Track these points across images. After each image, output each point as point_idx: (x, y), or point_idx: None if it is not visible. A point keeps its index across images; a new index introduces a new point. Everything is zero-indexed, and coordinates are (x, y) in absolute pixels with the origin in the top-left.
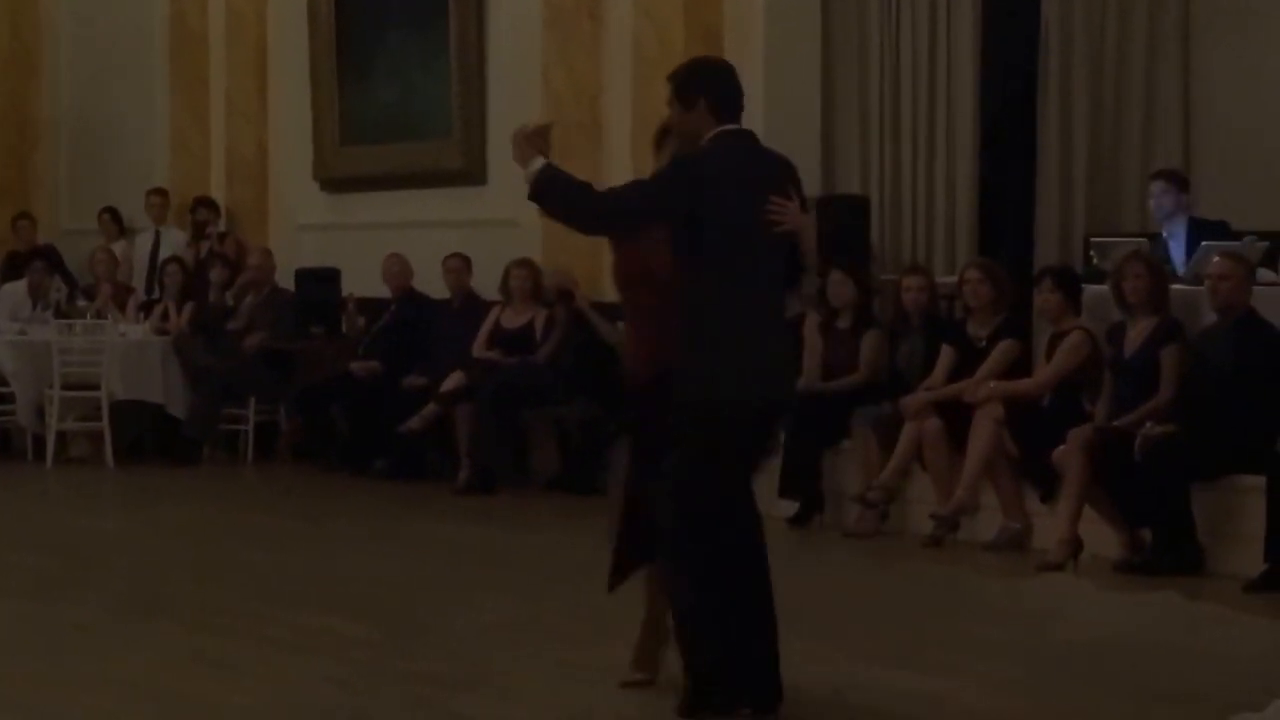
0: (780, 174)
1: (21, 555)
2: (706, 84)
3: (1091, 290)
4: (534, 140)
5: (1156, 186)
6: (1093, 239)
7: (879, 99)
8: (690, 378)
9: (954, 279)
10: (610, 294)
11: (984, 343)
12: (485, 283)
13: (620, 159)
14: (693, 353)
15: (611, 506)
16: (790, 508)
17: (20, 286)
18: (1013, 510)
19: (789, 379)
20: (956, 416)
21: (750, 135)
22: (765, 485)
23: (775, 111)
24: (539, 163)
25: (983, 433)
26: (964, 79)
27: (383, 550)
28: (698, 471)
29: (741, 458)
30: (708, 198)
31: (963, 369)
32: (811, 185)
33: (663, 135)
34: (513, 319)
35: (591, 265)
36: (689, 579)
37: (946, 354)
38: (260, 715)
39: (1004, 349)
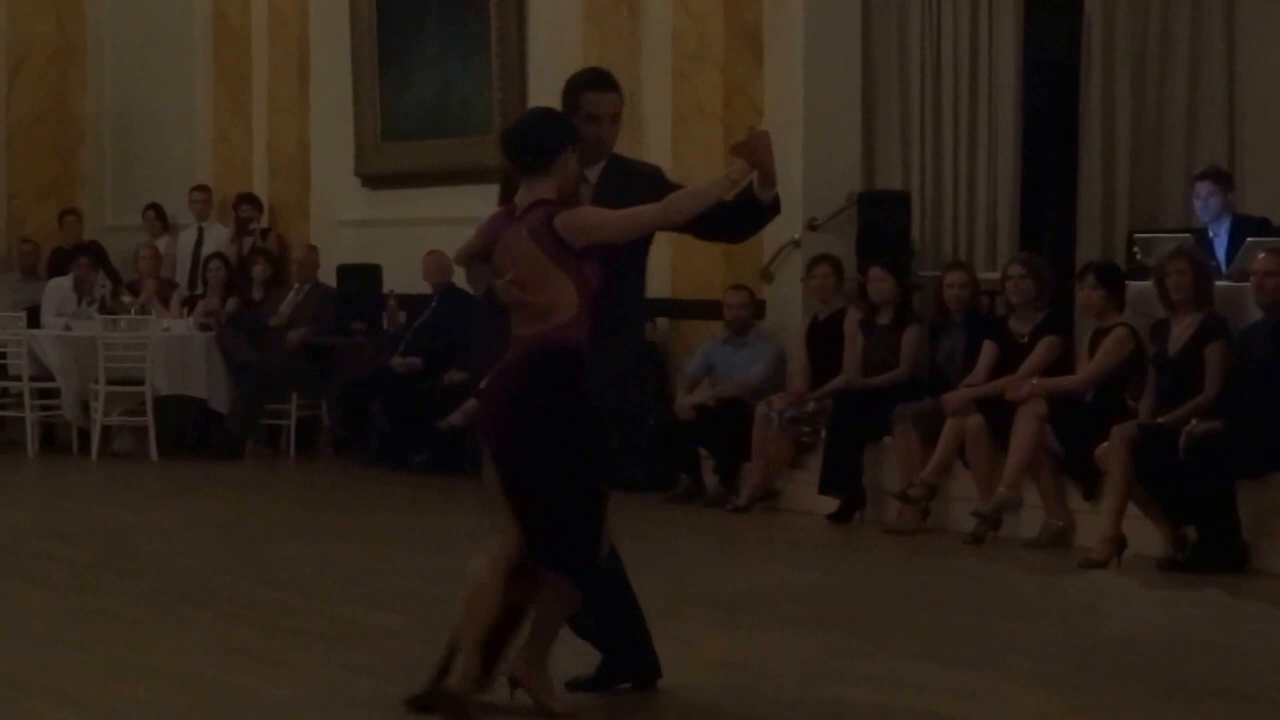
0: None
1: (63, 547)
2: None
3: (1135, 286)
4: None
5: (1203, 188)
6: (1136, 234)
7: (920, 94)
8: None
9: (995, 275)
10: (650, 289)
11: (1026, 339)
12: None
13: (660, 155)
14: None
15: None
16: (831, 504)
17: (65, 282)
18: (1055, 507)
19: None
20: (998, 413)
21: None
22: (807, 482)
23: (815, 107)
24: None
25: (1025, 429)
26: (1005, 74)
27: (421, 544)
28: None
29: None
30: None
31: (1005, 365)
32: (853, 181)
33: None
34: None
35: None
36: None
37: (988, 350)
38: (297, 707)
39: (1047, 345)
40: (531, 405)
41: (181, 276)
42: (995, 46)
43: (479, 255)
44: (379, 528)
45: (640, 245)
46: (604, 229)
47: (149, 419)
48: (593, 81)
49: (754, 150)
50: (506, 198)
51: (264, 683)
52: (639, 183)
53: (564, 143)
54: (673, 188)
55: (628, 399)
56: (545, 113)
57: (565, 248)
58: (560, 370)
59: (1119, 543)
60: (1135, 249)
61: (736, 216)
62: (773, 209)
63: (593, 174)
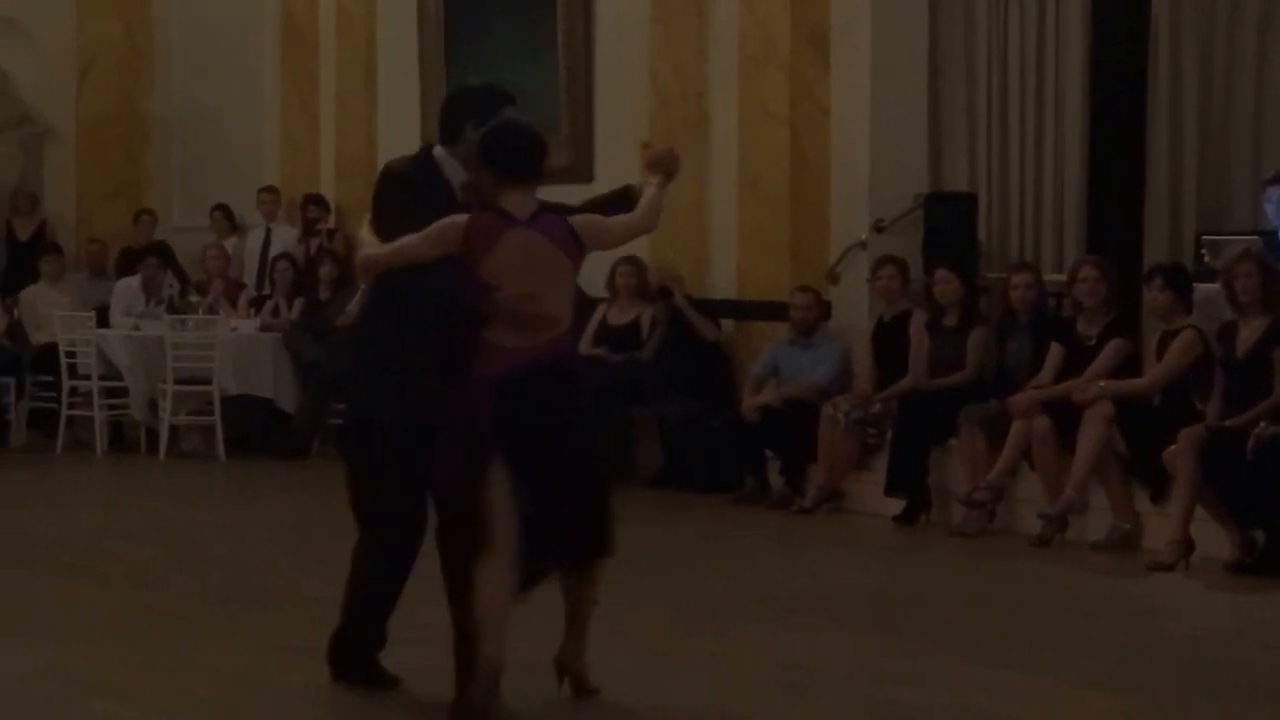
0: None
1: (129, 545)
2: None
3: (1202, 288)
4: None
5: (1275, 192)
6: (1203, 236)
7: (986, 95)
8: None
9: (1062, 277)
10: (716, 291)
11: (1093, 341)
12: (591, 279)
13: (727, 155)
14: None
15: None
16: (897, 506)
17: (134, 282)
18: (1122, 510)
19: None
20: (1065, 415)
21: None
22: (872, 483)
23: (882, 108)
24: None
25: (1092, 432)
26: (1072, 74)
27: None
28: None
29: None
30: None
31: (1071, 368)
32: (919, 182)
33: None
34: (618, 316)
35: (696, 263)
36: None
37: (1055, 352)
38: (355, 705)
39: (1115, 348)
40: (581, 409)
41: (249, 277)
42: (1062, 47)
43: (424, 263)
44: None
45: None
46: (613, 234)
47: (216, 418)
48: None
49: (668, 165)
50: (469, 205)
51: (328, 682)
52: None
53: (545, 157)
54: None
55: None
56: (529, 124)
57: (580, 252)
58: (569, 374)
59: (1186, 546)
60: (1203, 251)
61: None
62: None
63: None
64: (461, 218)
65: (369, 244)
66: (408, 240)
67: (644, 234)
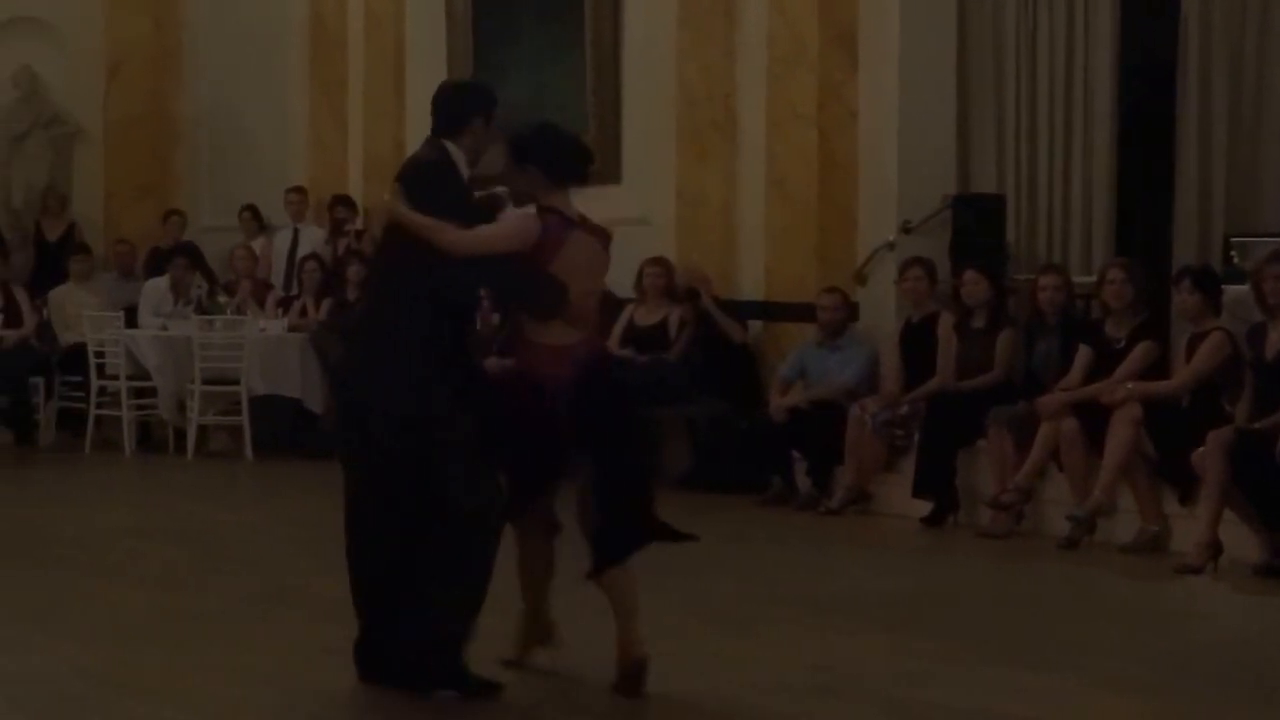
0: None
1: (156, 545)
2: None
3: (1231, 291)
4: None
5: None
6: (1232, 238)
7: (1015, 96)
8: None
9: (1090, 279)
10: (744, 292)
11: (1122, 343)
12: (619, 281)
13: (755, 156)
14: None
15: None
16: (924, 507)
17: (162, 283)
18: (1151, 512)
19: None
20: (1093, 417)
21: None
22: (900, 485)
23: (910, 109)
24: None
25: (1121, 434)
26: (1101, 76)
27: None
28: None
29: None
30: None
31: (1100, 369)
32: (947, 184)
33: None
34: (646, 317)
35: (724, 264)
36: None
37: (1084, 354)
38: (388, 705)
39: (1143, 350)
40: (609, 405)
41: (277, 277)
42: (1091, 48)
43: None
44: None
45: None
46: None
47: (244, 418)
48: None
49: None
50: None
51: (351, 680)
52: None
53: None
54: None
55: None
56: (563, 129)
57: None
58: (608, 368)
59: (1215, 548)
60: (1232, 253)
61: None
62: None
63: None
64: (532, 214)
65: (442, 226)
66: (489, 232)
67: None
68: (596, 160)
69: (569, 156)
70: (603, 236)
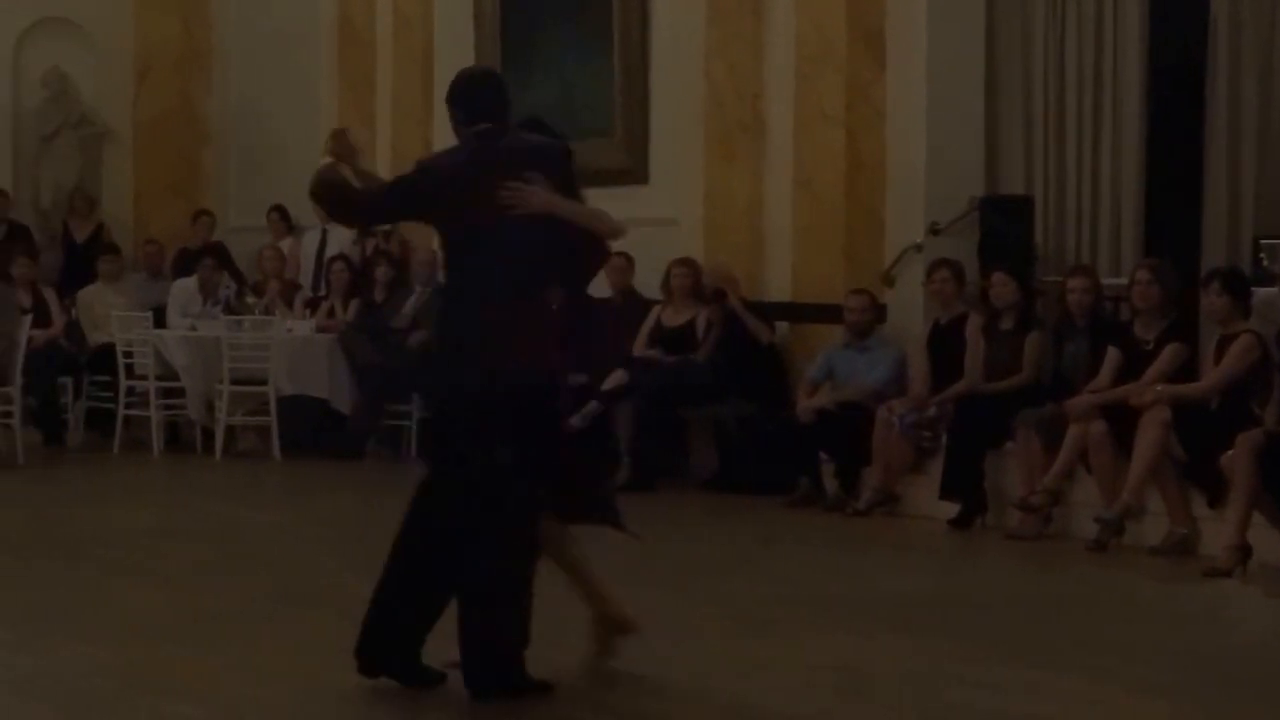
0: (526, 160)
1: (182, 544)
2: (452, 98)
3: (1261, 293)
4: (338, 141)
5: None
6: (1262, 240)
7: (1043, 97)
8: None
9: (1119, 280)
10: (771, 293)
11: (1151, 345)
12: (646, 281)
13: (782, 157)
14: (441, 340)
15: None
16: (952, 509)
17: (191, 283)
18: (1179, 515)
19: (514, 360)
20: (1122, 419)
21: (500, 130)
22: (927, 486)
23: (938, 110)
24: (323, 162)
25: (1149, 436)
26: (1130, 77)
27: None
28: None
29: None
30: (438, 197)
31: (1129, 371)
32: (975, 185)
33: None
34: (674, 318)
35: (751, 265)
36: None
37: (1113, 356)
38: (413, 705)
39: (1172, 352)
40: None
41: (305, 278)
42: (1120, 48)
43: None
44: None
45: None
46: None
47: (272, 419)
48: None
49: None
50: None
51: (379, 682)
52: None
53: None
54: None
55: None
56: None
57: None
58: None
59: (1243, 551)
60: (1261, 255)
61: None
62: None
63: None
64: None
65: (601, 213)
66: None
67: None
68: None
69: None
70: None
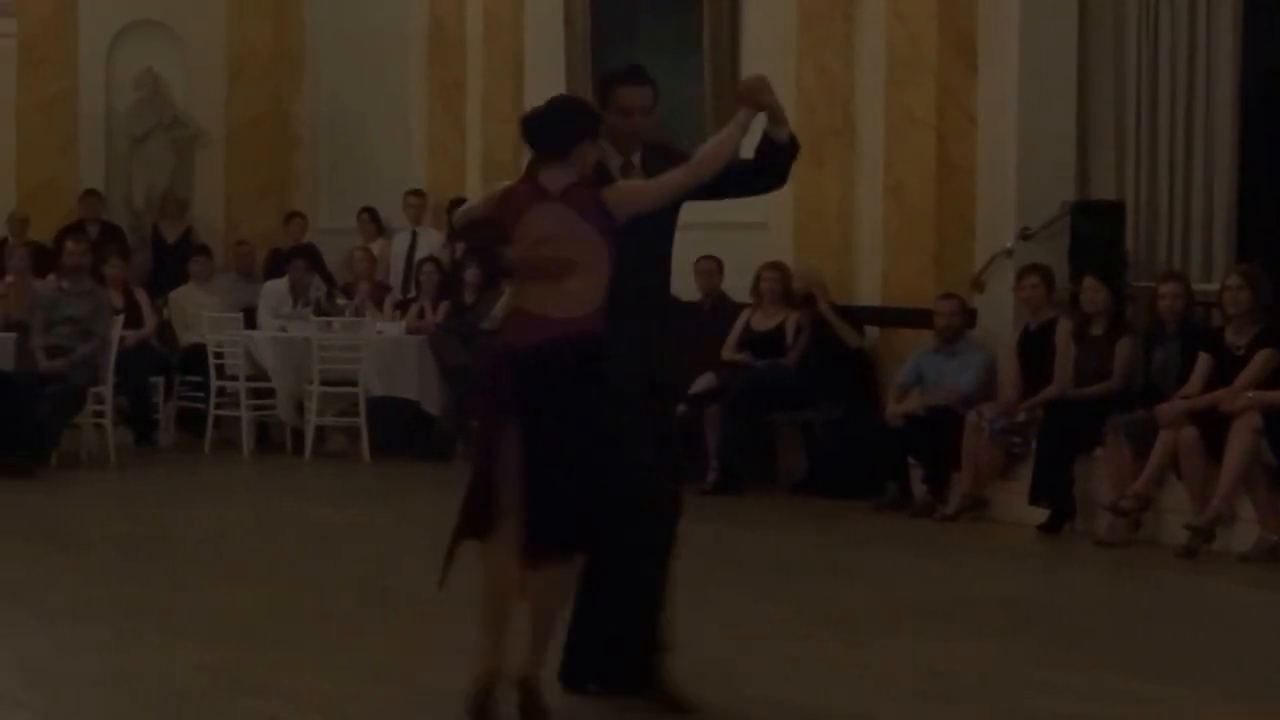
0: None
1: (272, 544)
2: None
3: None
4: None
5: None
6: None
7: (1135, 101)
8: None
9: (1211, 286)
10: (860, 297)
11: (1242, 351)
12: (736, 285)
13: (873, 161)
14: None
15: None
16: (1041, 515)
17: (282, 284)
18: (1270, 521)
19: (644, 362)
20: (1213, 425)
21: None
22: (1016, 492)
23: (1029, 115)
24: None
25: (1240, 442)
26: (1223, 80)
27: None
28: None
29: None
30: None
31: (1220, 377)
32: (1066, 190)
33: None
34: (763, 321)
35: (841, 267)
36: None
37: (1204, 362)
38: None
39: (1263, 358)
40: (569, 391)
41: (395, 280)
42: (1213, 52)
43: (480, 222)
44: None
45: (664, 220)
46: (647, 196)
47: (361, 420)
48: (625, 76)
49: (754, 93)
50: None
51: (466, 676)
52: (677, 164)
53: (583, 134)
54: None
55: (656, 373)
56: (567, 102)
57: (612, 225)
58: (592, 358)
59: None
60: None
61: (758, 166)
62: (791, 148)
63: (636, 162)
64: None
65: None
66: None
67: (697, 182)
68: (533, 131)
69: (522, 131)
70: (588, 209)
